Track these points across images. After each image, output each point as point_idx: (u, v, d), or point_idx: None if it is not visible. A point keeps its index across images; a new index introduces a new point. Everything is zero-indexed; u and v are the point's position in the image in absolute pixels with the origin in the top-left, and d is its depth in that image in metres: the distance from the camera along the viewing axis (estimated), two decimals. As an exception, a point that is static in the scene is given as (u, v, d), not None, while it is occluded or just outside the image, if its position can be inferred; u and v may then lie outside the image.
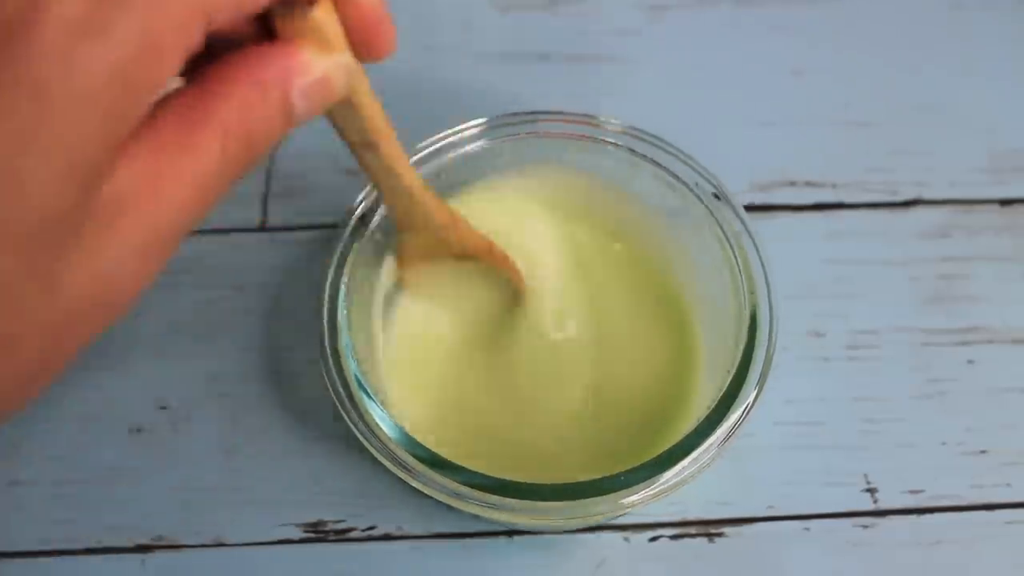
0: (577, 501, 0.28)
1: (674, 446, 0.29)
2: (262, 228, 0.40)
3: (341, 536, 0.34)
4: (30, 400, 0.20)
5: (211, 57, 0.20)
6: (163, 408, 0.36)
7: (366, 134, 0.25)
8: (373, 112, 0.25)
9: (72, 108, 0.17)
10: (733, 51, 0.45)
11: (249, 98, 0.20)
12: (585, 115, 0.35)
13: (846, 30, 0.45)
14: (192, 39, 0.18)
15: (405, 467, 0.29)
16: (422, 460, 0.29)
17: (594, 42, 0.45)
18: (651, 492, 0.28)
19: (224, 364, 0.37)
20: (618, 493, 0.28)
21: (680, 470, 0.28)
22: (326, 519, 0.34)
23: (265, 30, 0.21)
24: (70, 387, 0.36)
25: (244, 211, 0.40)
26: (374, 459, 0.29)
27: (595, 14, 0.46)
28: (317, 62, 0.21)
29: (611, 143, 0.34)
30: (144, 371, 0.37)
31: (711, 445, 0.29)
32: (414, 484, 0.28)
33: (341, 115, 0.25)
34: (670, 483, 0.28)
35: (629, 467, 0.28)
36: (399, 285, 0.35)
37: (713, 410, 0.29)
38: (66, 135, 0.17)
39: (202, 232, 0.40)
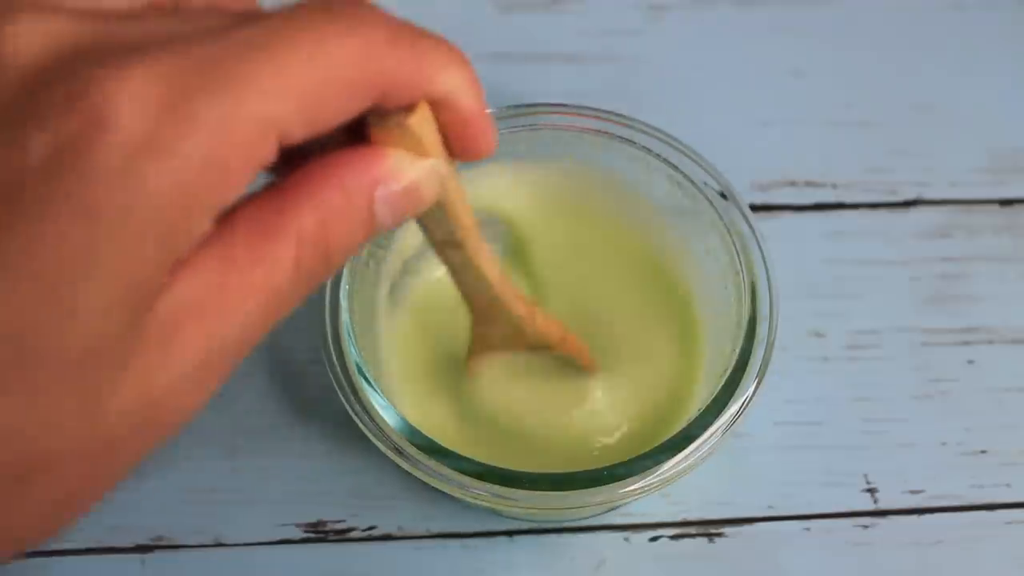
0: (576, 491, 0.28)
1: (673, 436, 0.29)
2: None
3: (341, 536, 0.34)
4: (74, 519, 0.18)
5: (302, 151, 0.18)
6: (163, 408, 0.36)
7: (453, 234, 0.23)
8: (462, 211, 0.23)
9: (127, 231, 0.16)
10: (733, 51, 0.45)
11: (329, 206, 0.18)
12: (598, 110, 0.35)
13: (846, 30, 0.45)
14: (262, 156, 0.17)
15: (404, 455, 0.28)
16: (420, 448, 0.28)
17: (594, 42, 0.45)
18: (650, 482, 0.28)
19: (224, 364, 0.37)
20: (617, 483, 0.28)
21: (679, 460, 0.28)
22: (326, 519, 0.34)
23: (354, 133, 0.19)
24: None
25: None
26: (374, 459, 0.29)
27: (595, 14, 0.46)
28: (407, 169, 0.19)
29: (627, 140, 0.34)
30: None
31: (710, 436, 0.29)
32: (413, 472, 0.28)
33: (428, 216, 0.23)
34: (669, 473, 0.28)
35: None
36: (465, 371, 0.33)
37: (712, 401, 0.29)
38: (119, 259, 0.16)
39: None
